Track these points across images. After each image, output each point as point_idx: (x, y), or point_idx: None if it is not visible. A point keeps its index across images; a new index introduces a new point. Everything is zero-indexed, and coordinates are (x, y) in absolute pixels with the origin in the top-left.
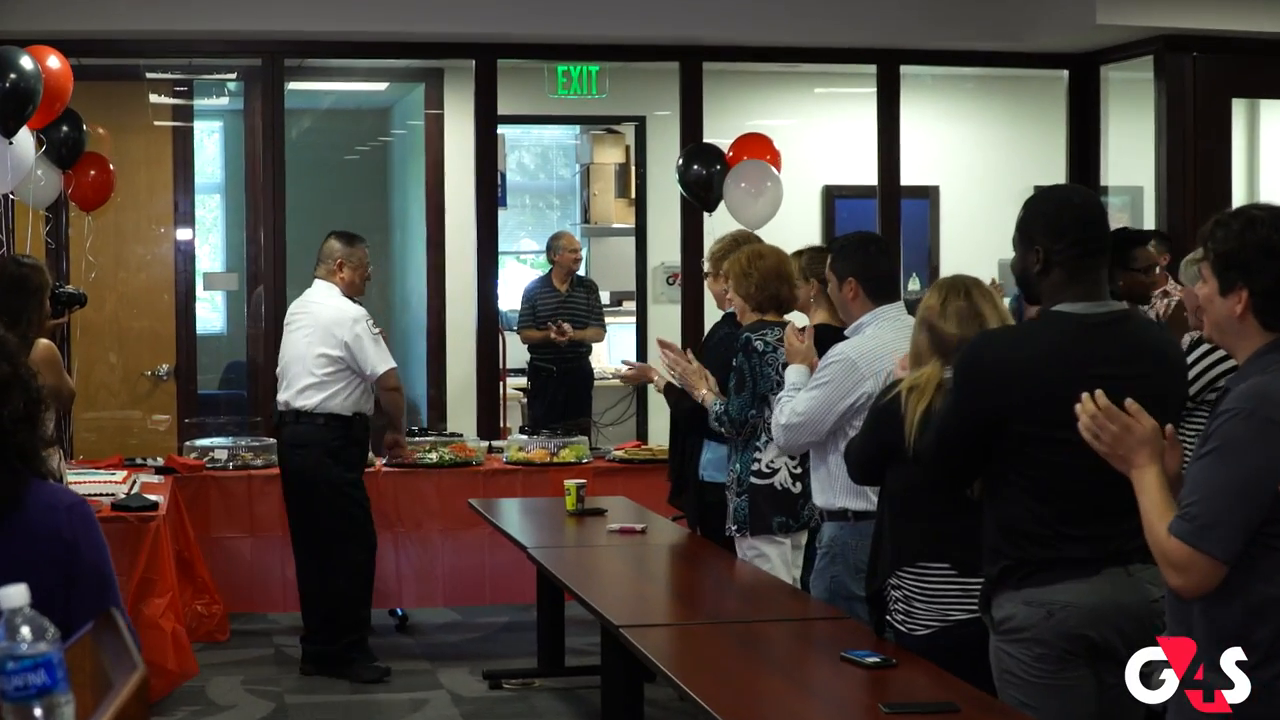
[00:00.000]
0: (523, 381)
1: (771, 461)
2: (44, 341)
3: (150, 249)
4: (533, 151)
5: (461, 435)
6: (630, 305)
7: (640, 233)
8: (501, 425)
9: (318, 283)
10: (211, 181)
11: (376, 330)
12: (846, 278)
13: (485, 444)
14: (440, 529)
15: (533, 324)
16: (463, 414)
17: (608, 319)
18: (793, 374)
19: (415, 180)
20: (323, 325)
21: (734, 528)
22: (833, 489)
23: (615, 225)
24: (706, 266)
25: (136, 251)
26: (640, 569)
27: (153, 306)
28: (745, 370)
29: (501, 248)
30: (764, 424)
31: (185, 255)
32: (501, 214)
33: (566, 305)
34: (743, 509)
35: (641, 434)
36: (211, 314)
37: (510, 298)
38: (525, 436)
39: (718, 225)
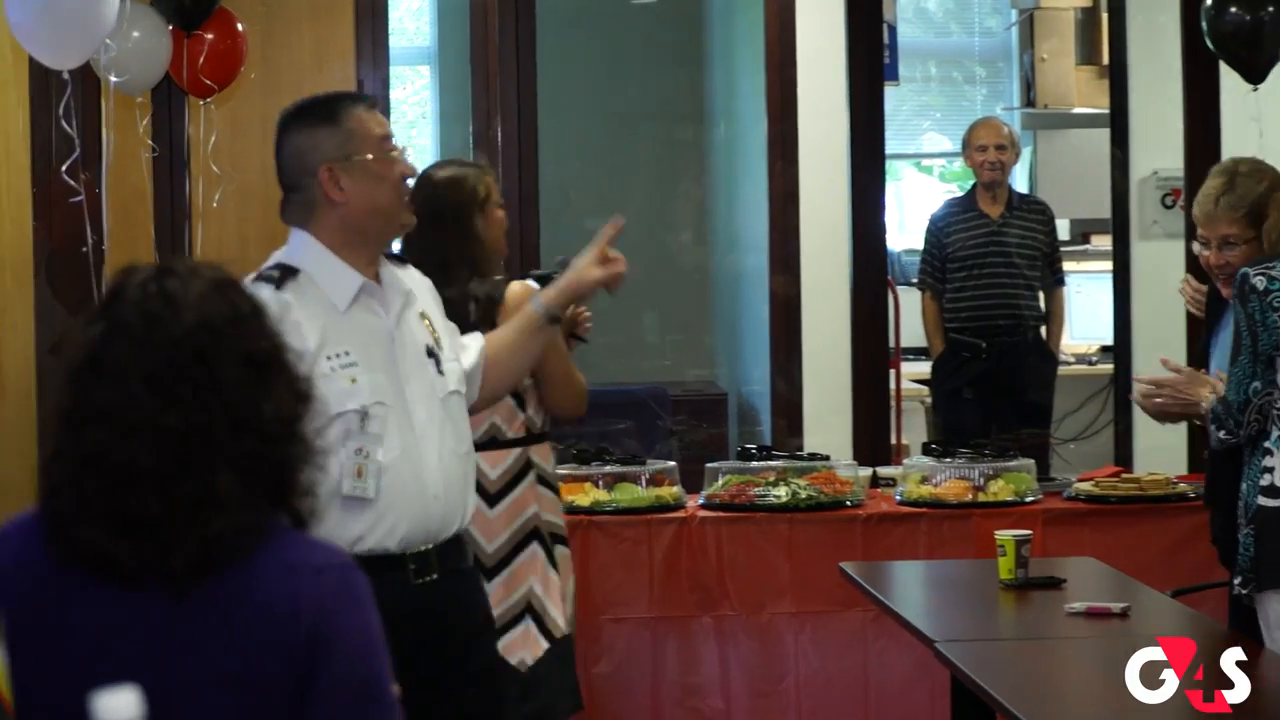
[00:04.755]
0: (928, 369)
1: None
2: (521, 283)
3: None
4: None
5: (828, 458)
6: (1102, 242)
7: (1119, 123)
8: (894, 441)
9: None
10: (416, 46)
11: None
12: None
13: (867, 472)
14: (793, 611)
15: (939, 278)
16: (830, 424)
17: (1066, 265)
18: None
19: (748, 40)
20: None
21: (1235, 581)
22: None
23: (1077, 111)
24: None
25: None
26: (1122, 673)
27: None
28: (1242, 323)
29: (893, 149)
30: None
31: None
32: (891, 93)
33: (997, 241)
34: (1247, 549)
35: (1123, 454)
36: None
37: (910, 231)
38: (931, 459)
39: (1268, 109)
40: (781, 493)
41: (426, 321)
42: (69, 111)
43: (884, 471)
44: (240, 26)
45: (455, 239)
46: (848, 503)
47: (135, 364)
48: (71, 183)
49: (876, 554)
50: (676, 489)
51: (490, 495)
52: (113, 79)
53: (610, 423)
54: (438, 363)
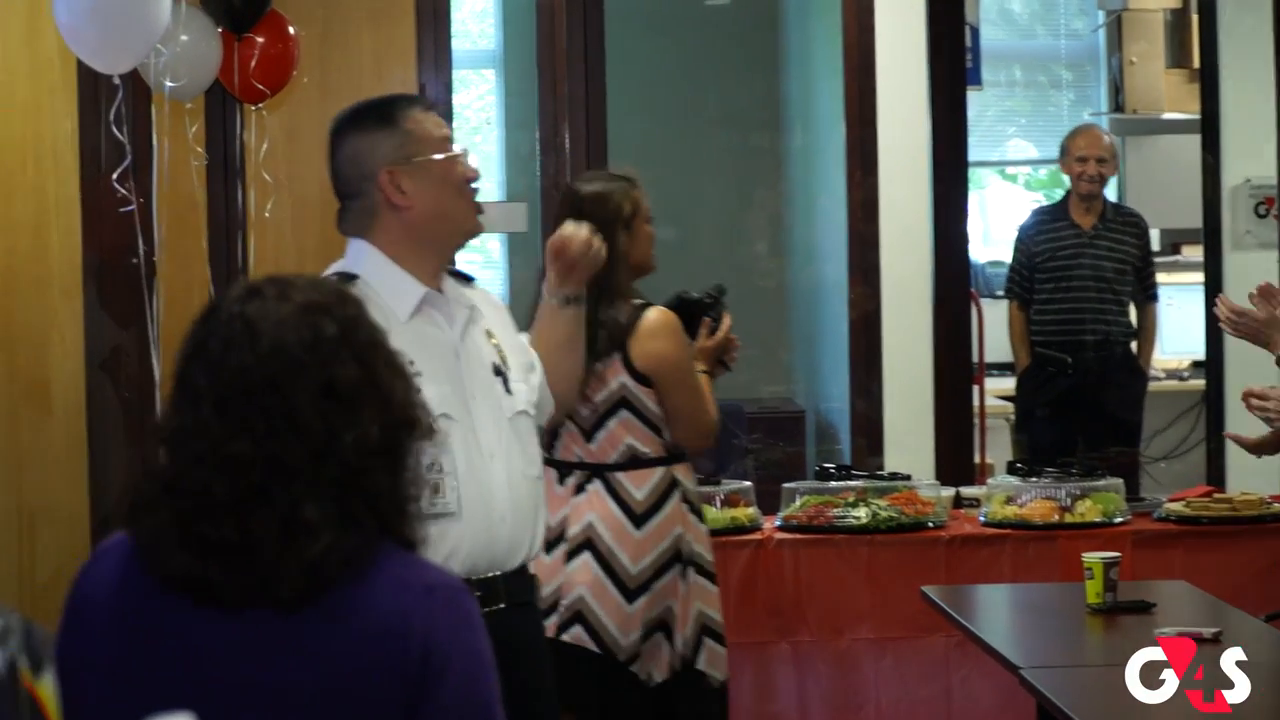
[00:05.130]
0: (1013, 385)
1: None
2: (661, 309)
3: None
4: None
5: (909, 478)
6: (1193, 253)
7: (1210, 128)
8: (978, 460)
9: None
10: (481, 49)
11: None
12: None
13: (950, 492)
14: (873, 637)
15: (1026, 288)
16: (912, 442)
17: (1160, 276)
18: None
19: (825, 42)
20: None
21: None
22: None
23: (1166, 116)
24: None
25: None
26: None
27: None
28: None
29: (976, 156)
30: None
31: None
32: (974, 98)
33: (1088, 253)
34: None
35: (1215, 473)
36: (485, 273)
37: (995, 241)
38: (1017, 479)
39: None
40: (861, 514)
41: (493, 340)
42: (119, 118)
43: (967, 492)
44: (291, 29)
45: None
46: (930, 524)
47: (209, 389)
48: (123, 191)
49: (960, 577)
50: (752, 510)
51: (637, 516)
52: (168, 84)
53: None
54: (505, 381)
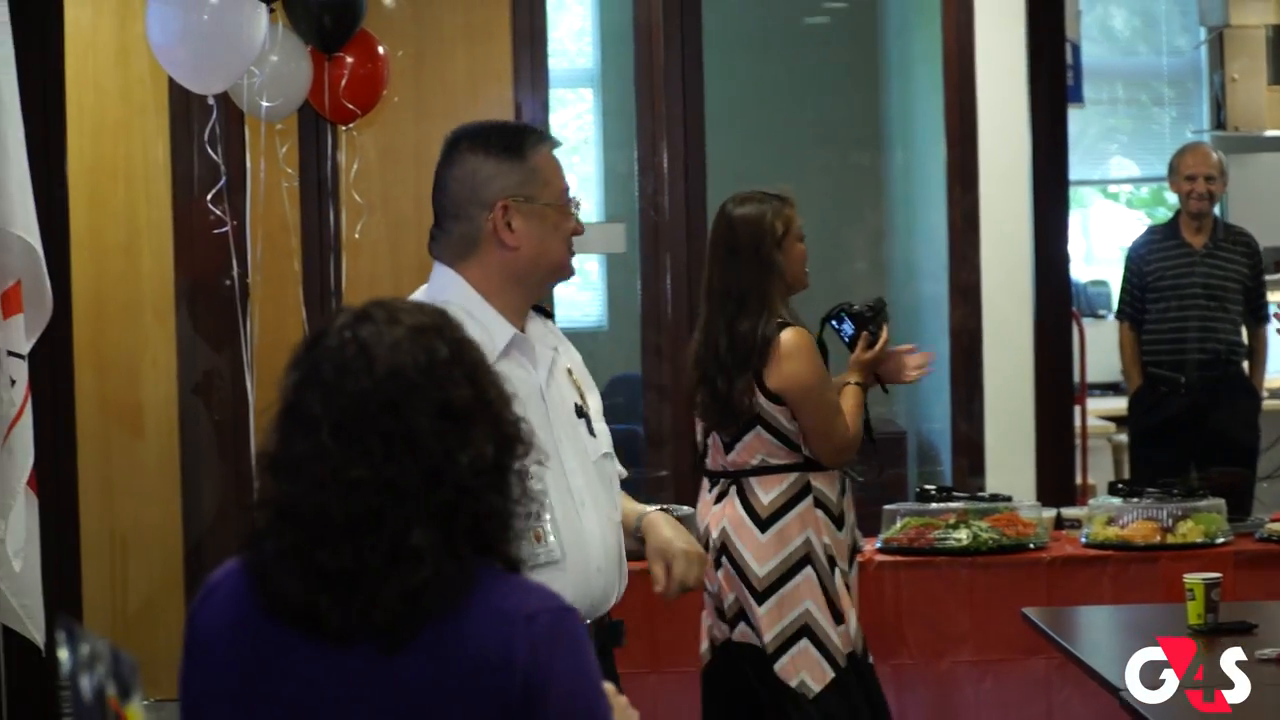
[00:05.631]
0: (1120, 404)
1: None
2: (796, 330)
3: None
4: (1129, 8)
5: (1010, 499)
6: None
7: None
8: (1079, 481)
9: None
10: (578, 68)
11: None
12: None
13: (1051, 513)
14: (974, 659)
15: (1138, 310)
16: (1013, 463)
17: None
18: None
19: (925, 59)
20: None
21: None
22: None
23: (1269, 134)
24: None
25: None
26: None
27: None
28: None
29: (1077, 174)
30: None
31: None
32: (1075, 115)
33: (1199, 272)
34: None
35: None
36: (582, 295)
37: (1098, 260)
38: (1118, 500)
39: None
40: (962, 535)
41: (573, 377)
42: (213, 139)
43: (1069, 513)
44: (381, 49)
45: (751, 273)
46: (1031, 545)
47: (325, 414)
48: (217, 212)
49: (1061, 599)
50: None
51: (762, 520)
52: (264, 104)
53: None
54: (588, 423)
